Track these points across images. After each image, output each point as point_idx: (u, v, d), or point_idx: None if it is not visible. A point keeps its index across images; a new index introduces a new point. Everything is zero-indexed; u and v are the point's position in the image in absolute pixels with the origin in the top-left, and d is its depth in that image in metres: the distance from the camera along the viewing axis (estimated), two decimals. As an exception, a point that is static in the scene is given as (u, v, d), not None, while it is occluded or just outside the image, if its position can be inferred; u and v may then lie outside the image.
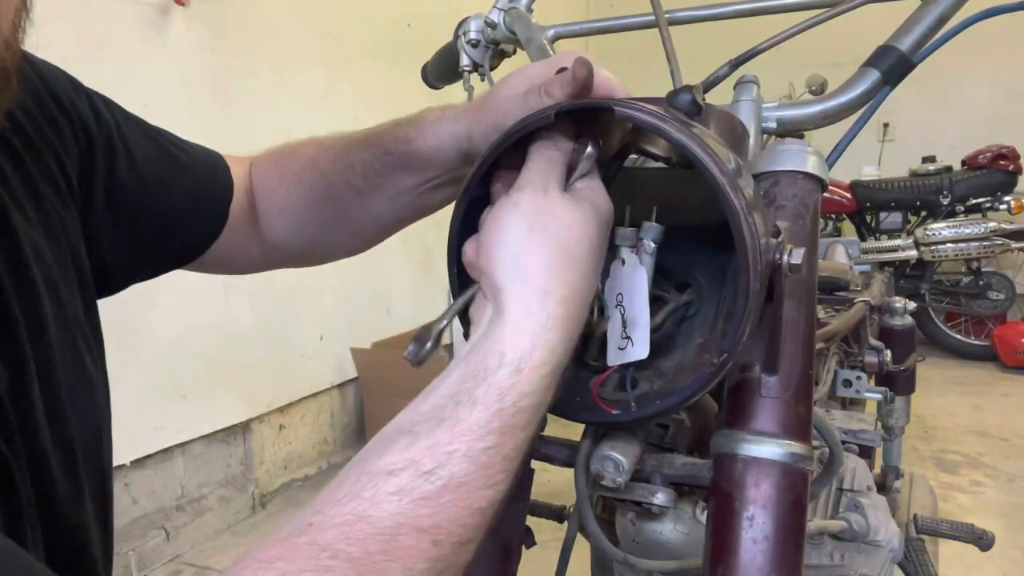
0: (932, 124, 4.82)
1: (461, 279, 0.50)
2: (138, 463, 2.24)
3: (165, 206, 0.66)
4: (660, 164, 0.52)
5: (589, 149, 0.48)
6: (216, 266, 0.73)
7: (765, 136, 0.67)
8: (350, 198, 0.69)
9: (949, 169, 4.46)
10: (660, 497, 0.55)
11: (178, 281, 2.48)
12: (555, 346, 0.42)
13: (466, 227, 0.50)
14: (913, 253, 4.39)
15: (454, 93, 0.94)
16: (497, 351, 0.41)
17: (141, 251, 0.66)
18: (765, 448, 0.49)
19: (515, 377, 0.40)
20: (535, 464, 0.62)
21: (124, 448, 2.17)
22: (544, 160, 0.47)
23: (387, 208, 0.70)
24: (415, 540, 0.35)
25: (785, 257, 0.46)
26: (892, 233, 4.58)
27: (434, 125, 0.62)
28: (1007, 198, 4.19)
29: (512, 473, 0.41)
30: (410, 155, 0.64)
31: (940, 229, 4.25)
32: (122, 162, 0.62)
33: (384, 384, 3.01)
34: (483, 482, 0.38)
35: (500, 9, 0.95)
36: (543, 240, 0.43)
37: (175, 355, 2.34)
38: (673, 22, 0.83)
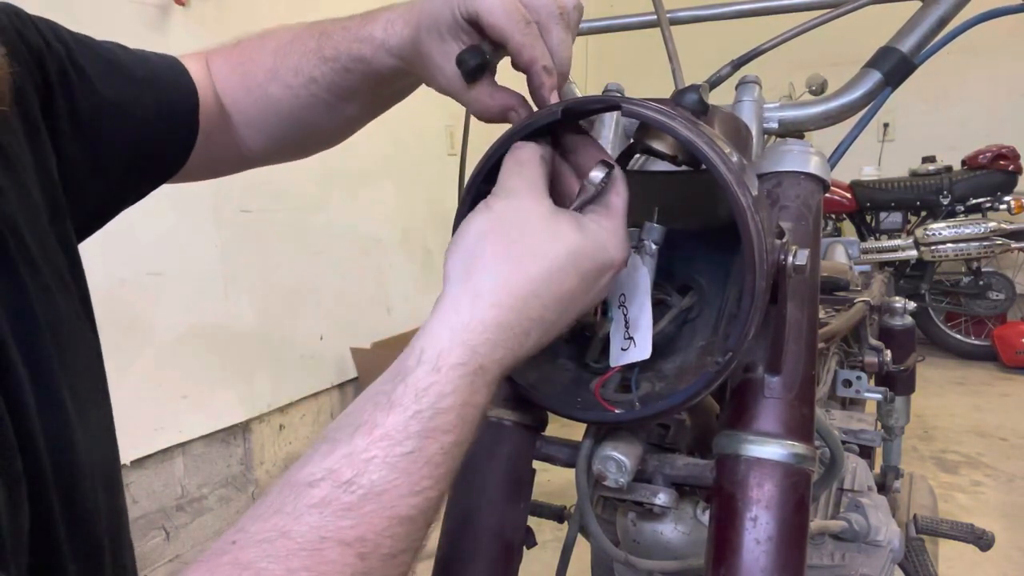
0: (932, 124, 4.81)
1: None
2: (138, 463, 2.24)
3: (133, 127, 0.63)
4: (664, 164, 0.52)
5: (596, 173, 0.46)
6: (202, 173, 0.72)
7: (766, 136, 0.67)
8: (319, 110, 0.69)
9: (949, 169, 4.45)
10: (662, 497, 0.55)
11: (178, 281, 2.48)
12: (477, 347, 0.40)
13: None
14: (913, 253, 4.38)
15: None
16: (418, 348, 0.40)
17: (120, 178, 0.64)
18: (768, 449, 0.49)
19: (433, 376, 0.38)
20: (536, 464, 0.62)
21: (124, 448, 2.16)
22: (539, 164, 0.46)
23: (358, 111, 0.70)
24: (339, 554, 0.34)
25: (790, 258, 0.46)
26: (892, 233, 4.58)
27: (384, 41, 0.61)
28: (1007, 198, 4.19)
29: (443, 479, 0.39)
30: (370, 73, 0.64)
31: (940, 229, 4.24)
32: (80, 90, 0.59)
33: (384, 384, 3.00)
34: (406, 489, 0.37)
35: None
36: (496, 243, 0.42)
37: (175, 355, 2.34)
38: (674, 22, 0.83)
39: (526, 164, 0.46)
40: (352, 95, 0.67)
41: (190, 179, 0.72)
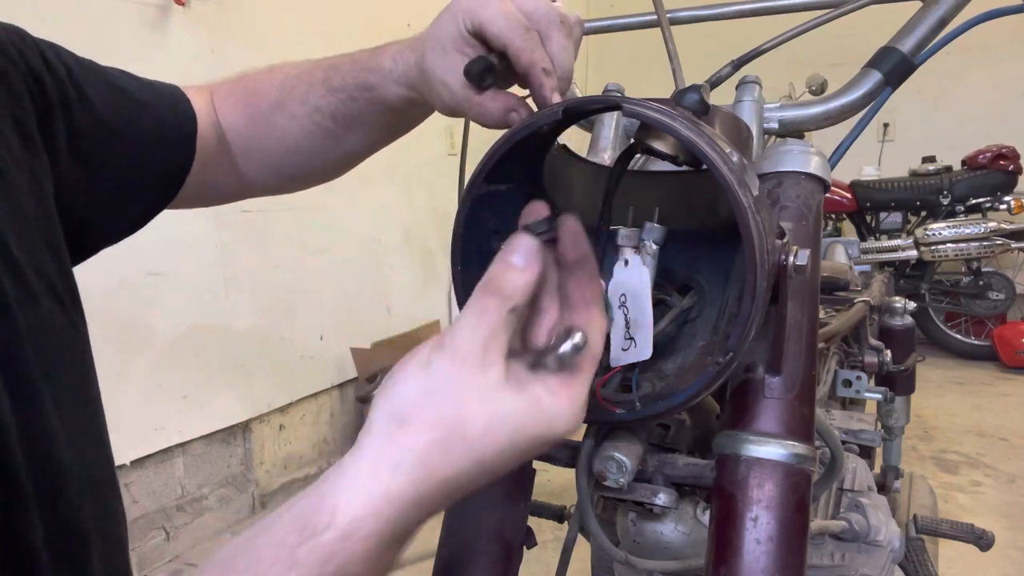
0: (932, 124, 4.81)
1: (465, 279, 0.50)
2: (138, 463, 2.24)
3: (130, 149, 0.64)
4: (665, 164, 0.52)
5: (566, 347, 0.41)
6: (195, 201, 0.73)
7: (766, 136, 0.67)
8: (323, 139, 0.70)
9: (949, 169, 4.46)
10: (662, 497, 0.55)
11: (178, 281, 2.47)
12: (392, 518, 0.37)
13: (470, 226, 0.50)
14: (913, 253, 4.38)
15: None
16: (330, 507, 0.37)
17: (114, 202, 0.65)
18: (768, 449, 0.49)
19: (342, 543, 0.36)
20: (536, 464, 0.62)
21: (124, 448, 2.17)
22: (503, 321, 0.39)
23: (362, 143, 0.71)
24: None
25: (790, 258, 0.46)
26: (892, 233, 4.58)
27: (391, 71, 0.63)
28: (1007, 198, 4.19)
29: None
30: (376, 101, 0.65)
31: (940, 229, 4.24)
32: (79, 110, 0.60)
33: (384, 384, 3.00)
34: None
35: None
36: (427, 415, 0.38)
37: (175, 355, 2.34)
38: (674, 22, 0.83)
39: (486, 317, 0.39)
40: (356, 123, 0.68)
41: (187, 206, 0.73)
